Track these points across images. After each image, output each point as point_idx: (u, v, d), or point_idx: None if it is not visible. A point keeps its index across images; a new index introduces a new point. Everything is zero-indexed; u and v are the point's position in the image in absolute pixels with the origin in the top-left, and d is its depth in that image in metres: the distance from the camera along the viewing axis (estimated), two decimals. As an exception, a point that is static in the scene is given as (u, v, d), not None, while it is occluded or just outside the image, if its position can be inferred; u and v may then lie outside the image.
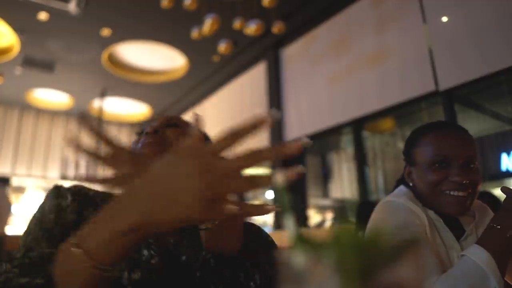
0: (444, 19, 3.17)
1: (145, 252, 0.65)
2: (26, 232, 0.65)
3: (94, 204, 0.70)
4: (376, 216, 0.95)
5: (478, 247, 0.78)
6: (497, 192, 2.32)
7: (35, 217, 0.67)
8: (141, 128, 0.84)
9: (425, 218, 0.90)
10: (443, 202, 0.92)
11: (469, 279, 0.74)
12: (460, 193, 0.90)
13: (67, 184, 0.71)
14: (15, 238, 1.02)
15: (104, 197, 0.73)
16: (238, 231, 0.65)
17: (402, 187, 1.02)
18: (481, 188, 0.97)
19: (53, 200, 0.67)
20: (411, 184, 1.01)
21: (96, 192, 0.73)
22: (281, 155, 0.44)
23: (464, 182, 0.89)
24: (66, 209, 0.66)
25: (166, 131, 0.81)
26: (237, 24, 3.58)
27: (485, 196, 1.93)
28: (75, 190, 0.70)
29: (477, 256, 0.76)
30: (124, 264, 0.62)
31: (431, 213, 0.93)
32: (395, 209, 0.92)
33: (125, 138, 8.33)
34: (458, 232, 0.94)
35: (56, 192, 0.68)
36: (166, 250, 0.68)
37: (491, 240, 0.79)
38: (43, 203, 0.68)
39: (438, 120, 1.04)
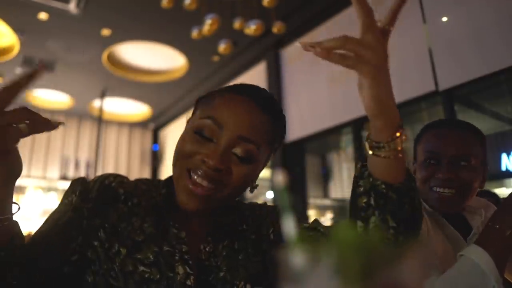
0: (444, 19, 3.17)
1: (180, 268, 0.62)
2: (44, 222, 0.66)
3: (112, 198, 0.67)
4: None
5: (477, 247, 0.78)
6: (497, 192, 2.32)
7: (53, 211, 0.68)
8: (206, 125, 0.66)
9: (426, 217, 0.90)
10: (431, 198, 0.94)
11: (468, 279, 0.75)
12: (446, 190, 0.91)
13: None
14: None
15: (129, 189, 0.70)
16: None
17: None
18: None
19: (67, 196, 0.68)
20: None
21: (121, 181, 0.70)
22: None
23: (448, 178, 0.90)
24: (70, 206, 0.66)
25: (230, 168, 0.64)
26: (237, 24, 3.58)
27: (485, 195, 1.93)
28: (88, 184, 0.68)
29: (476, 255, 0.76)
30: (155, 285, 0.60)
31: (435, 213, 0.94)
32: None
33: (125, 138, 8.33)
34: (465, 230, 0.95)
35: (72, 188, 0.68)
36: (202, 265, 0.65)
37: (490, 239, 0.79)
38: (62, 196, 0.69)
39: (445, 118, 1.06)
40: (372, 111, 0.55)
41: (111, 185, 0.68)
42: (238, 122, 0.65)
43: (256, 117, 0.67)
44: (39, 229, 0.64)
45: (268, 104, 0.72)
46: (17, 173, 0.55)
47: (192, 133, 0.66)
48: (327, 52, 0.54)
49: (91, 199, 0.66)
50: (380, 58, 0.53)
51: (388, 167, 0.55)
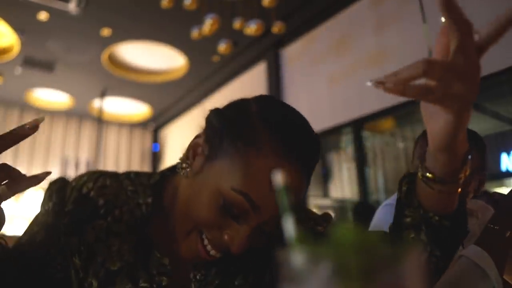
0: (444, 19, 3.17)
1: None
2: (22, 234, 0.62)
3: (90, 211, 0.59)
4: (376, 220, 0.96)
5: (477, 247, 0.78)
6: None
7: (32, 221, 0.63)
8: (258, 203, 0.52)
9: None
10: None
11: (468, 279, 0.74)
12: None
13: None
14: (15, 238, 1.02)
15: (111, 196, 0.61)
16: None
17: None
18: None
19: (45, 201, 0.62)
20: None
21: (101, 187, 0.62)
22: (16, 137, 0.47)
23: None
24: (45, 222, 0.60)
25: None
26: (237, 24, 3.58)
27: (483, 197, 1.92)
28: (67, 192, 0.61)
29: (475, 256, 0.76)
30: None
31: None
32: (392, 213, 0.92)
33: (125, 138, 8.33)
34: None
35: (47, 190, 0.62)
36: None
37: (490, 240, 0.79)
38: (42, 200, 0.63)
39: None
40: (441, 146, 0.45)
41: (89, 194, 0.60)
42: (276, 202, 0.55)
43: (299, 189, 0.55)
44: (17, 243, 0.59)
45: (314, 163, 0.59)
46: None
47: (218, 204, 0.52)
48: (403, 86, 0.38)
49: (67, 212, 0.59)
50: (474, 91, 0.40)
51: (445, 200, 0.50)
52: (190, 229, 0.56)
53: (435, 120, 0.44)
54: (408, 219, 0.52)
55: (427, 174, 0.48)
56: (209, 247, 0.55)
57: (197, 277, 0.59)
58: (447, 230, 0.50)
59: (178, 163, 0.61)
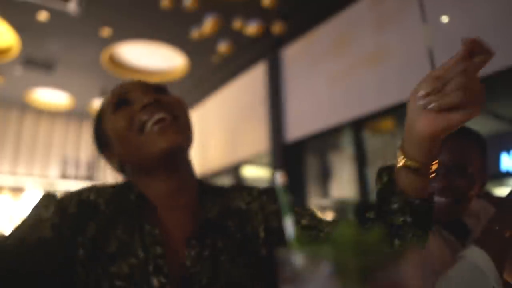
0: (444, 19, 3.17)
1: (155, 281, 0.59)
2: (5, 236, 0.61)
3: (92, 211, 0.64)
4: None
5: (476, 248, 0.78)
6: (497, 192, 2.32)
7: (19, 224, 0.63)
8: (113, 98, 0.71)
9: None
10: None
11: (468, 280, 0.75)
12: (442, 199, 0.90)
13: (69, 183, 0.67)
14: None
15: (107, 196, 0.67)
16: None
17: None
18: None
19: (35, 210, 0.64)
20: None
21: (98, 191, 0.67)
22: None
23: (443, 187, 0.89)
24: (42, 223, 0.61)
25: (162, 99, 0.68)
26: (237, 24, 3.58)
27: (485, 198, 1.92)
28: (64, 201, 0.64)
29: (475, 257, 0.76)
30: None
31: None
32: None
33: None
34: (464, 233, 0.94)
35: (41, 201, 0.65)
36: (184, 276, 0.61)
37: (489, 240, 0.79)
38: (31, 210, 0.65)
39: None
40: (434, 137, 0.54)
41: (89, 198, 0.65)
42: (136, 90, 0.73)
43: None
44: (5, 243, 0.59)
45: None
46: None
47: (114, 109, 0.69)
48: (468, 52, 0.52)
49: (70, 215, 0.62)
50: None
51: (423, 185, 0.58)
52: (137, 133, 0.66)
53: (434, 117, 0.51)
54: (394, 205, 0.58)
55: (410, 163, 0.56)
56: (154, 116, 0.65)
57: (192, 253, 0.63)
58: (426, 211, 0.58)
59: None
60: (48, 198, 0.65)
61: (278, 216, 0.70)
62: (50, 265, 0.58)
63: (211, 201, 0.71)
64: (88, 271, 0.59)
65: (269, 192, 0.76)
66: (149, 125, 0.65)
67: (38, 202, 0.65)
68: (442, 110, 0.50)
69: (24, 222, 0.62)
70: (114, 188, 0.70)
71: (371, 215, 0.62)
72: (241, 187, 0.77)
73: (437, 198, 0.90)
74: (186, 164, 0.72)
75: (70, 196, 0.65)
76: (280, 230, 0.67)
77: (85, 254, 0.60)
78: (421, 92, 0.51)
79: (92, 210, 0.64)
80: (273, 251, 0.67)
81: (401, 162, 0.58)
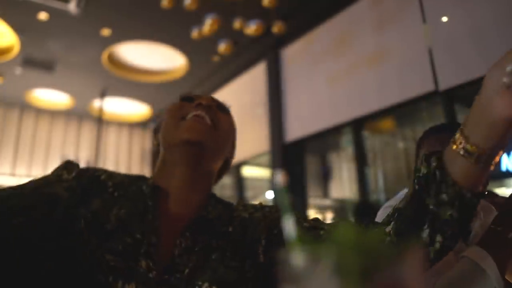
0: (444, 19, 3.17)
1: (143, 263, 0.61)
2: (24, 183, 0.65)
3: (100, 189, 0.68)
4: (377, 221, 0.96)
5: (479, 249, 0.78)
6: (498, 192, 2.31)
7: (37, 178, 0.67)
8: (186, 94, 0.80)
9: None
10: None
11: (469, 280, 0.74)
12: None
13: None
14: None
15: (117, 180, 0.71)
16: None
17: (405, 190, 1.02)
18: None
19: (57, 170, 0.68)
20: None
21: (111, 174, 0.72)
22: None
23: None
24: (61, 182, 0.66)
25: (218, 113, 0.75)
26: (237, 24, 3.58)
27: (487, 198, 1.92)
28: (83, 171, 0.70)
29: (477, 257, 0.76)
30: (119, 273, 0.59)
31: None
32: None
33: (125, 138, 8.33)
34: (464, 232, 0.94)
35: (65, 165, 0.70)
36: (169, 264, 0.62)
37: (492, 241, 0.78)
38: (52, 171, 0.69)
39: (447, 122, 1.04)
40: (503, 117, 0.46)
41: (101, 177, 0.70)
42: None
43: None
44: (11, 187, 0.63)
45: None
46: None
47: (180, 100, 0.77)
48: None
49: (82, 184, 0.67)
50: None
51: (478, 177, 0.51)
52: (176, 122, 0.71)
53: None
54: (443, 196, 0.52)
55: (468, 146, 0.49)
56: (198, 112, 0.70)
57: (182, 244, 0.64)
58: (474, 208, 0.51)
59: None
60: (73, 164, 0.70)
61: (280, 224, 0.68)
62: (54, 223, 0.61)
63: (216, 208, 0.74)
64: (84, 242, 0.61)
65: (272, 206, 0.78)
66: (188, 116, 0.70)
67: (63, 164, 0.70)
68: None
69: (43, 177, 0.66)
70: (126, 176, 0.74)
71: (406, 205, 0.55)
72: (246, 203, 0.80)
73: None
74: (206, 168, 0.74)
75: (86, 170, 0.70)
76: (282, 238, 0.64)
77: (85, 225, 0.62)
78: (510, 68, 0.43)
79: (100, 188, 0.68)
80: (273, 257, 0.66)
81: (459, 146, 0.50)
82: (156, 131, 0.80)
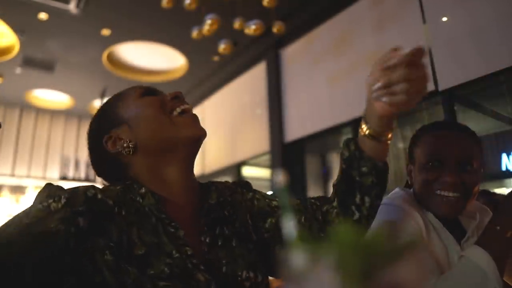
0: (444, 19, 3.17)
1: (200, 276, 0.60)
2: (4, 224, 0.56)
3: (105, 211, 0.61)
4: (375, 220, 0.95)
5: (478, 248, 0.78)
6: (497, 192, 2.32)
7: (19, 214, 0.57)
8: (139, 88, 0.78)
9: (421, 220, 0.89)
10: (434, 202, 0.92)
11: (468, 280, 0.75)
12: (450, 194, 0.89)
13: (69, 184, 0.65)
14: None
15: (113, 196, 0.63)
16: None
17: (397, 190, 1.02)
18: (481, 187, 0.97)
19: (41, 199, 0.59)
20: (410, 183, 1.03)
21: (102, 191, 0.63)
22: None
23: (454, 182, 0.89)
24: (52, 215, 0.56)
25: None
26: (237, 24, 3.58)
27: (481, 196, 1.92)
28: (72, 195, 0.59)
29: (476, 256, 0.76)
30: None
31: (431, 216, 0.93)
32: (390, 212, 0.91)
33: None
34: (460, 234, 0.94)
35: (47, 191, 0.60)
36: (207, 264, 0.63)
37: (490, 240, 0.78)
38: (34, 200, 0.60)
39: (443, 120, 1.04)
40: (389, 116, 0.67)
41: (97, 197, 0.61)
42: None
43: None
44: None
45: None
46: None
47: (141, 95, 0.77)
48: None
49: (82, 212, 0.58)
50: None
51: (383, 150, 0.70)
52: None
53: (386, 105, 0.63)
54: (364, 169, 0.70)
55: (373, 131, 0.68)
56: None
57: (207, 240, 0.66)
58: (385, 172, 0.72)
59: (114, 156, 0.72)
60: (56, 189, 0.61)
61: (254, 203, 0.78)
62: (52, 259, 0.54)
63: (207, 193, 0.75)
64: (116, 274, 0.56)
65: (241, 183, 0.84)
66: (177, 110, 0.71)
67: (42, 191, 0.61)
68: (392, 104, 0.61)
69: (32, 209, 0.57)
70: (114, 188, 0.66)
71: (338, 182, 0.74)
72: (215, 183, 0.81)
73: (445, 193, 0.90)
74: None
75: (76, 193, 0.60)
76: (261, 214, 0.77)
77: (113, 258, 0.57)
78: (374, 87, 0.61)
79: (104, 209, 0.61)
80: (260, 234, 0.75)
81: (365, 131, 0.69)
82: (110, 131, 0.72)
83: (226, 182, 0.84)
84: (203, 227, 0.68)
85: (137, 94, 0.75)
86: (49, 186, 0.62)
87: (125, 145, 0.70)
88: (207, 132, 0.72)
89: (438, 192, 0.91)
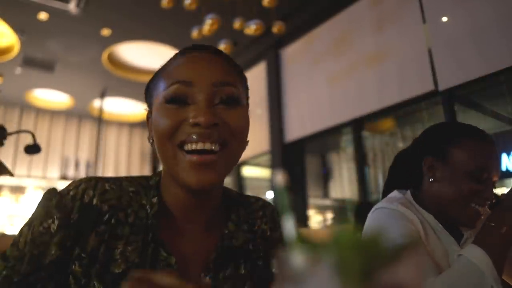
0: (444, 19, 3.17)
1: None
2: (14, 244, 0.55)
3: (92, 218, 0.56)
4: (369, 223, 0.95)
5: (475, 247, 0.78)
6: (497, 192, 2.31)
7: (24, 230, 0.56)
8: (172, 82, 0.59)
9: (419, 223, 0.89)
10: (464, 214, 0.89)
11: (466, 279, 0.75)
12: (482, 210, 0.90)
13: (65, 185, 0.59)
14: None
15: (114, 199, 0.59)
16: None
17: (395, 193, 1.01)
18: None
19: (43, 218, 0.56)
20: (430, 178, 0.95)
21: (105, 192, 0.59)
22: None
23: (491, 200, 0.90)
24: (51, 238, 0.54)
25: (220, 121, 0.57)
26: (237, 24, 3.58)
27: None
28: (68, 207, 0.56)
29: (473, 255, 0.76)
30: None
31: (431, 218, 0.93)
32: (388, 216, 0.91)
33: (125, 138, 8.33)
34: (459, 235, 0.94)
35: (46, 208, 0.57)
36: None
37: (487, 238, 0.79)
38: (34, 214, 0.57)
39: (473, 125, 0.98)
40: None
41: (92, 202, 0.57)
42: (203, 72, 0.58)
43: (216, 60, 0.61)
44: (18, 268, 0.53)
45: (218, 51, 0.65)
46: None
47: (165, 106, 0.57)
48: None
49: (72, 225, 0.55)
50: None
51: None
52: (173, 153, 0.57)
53: None
54: None
55: None
56: (199, 145, 0.55)
57: (207, 278, 0.57)
58: None
59: None
60: (52, 204, 0.57)
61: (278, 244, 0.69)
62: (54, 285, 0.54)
63: (236, 221, 0.65)
64: (84, 286, 0.53)
65: (275, 216, 0.73)
66: (187, 147, 0.56)
67: (42, 208, 0.58)
68: None
69: (35, 230, 0.55)
70: (125, 189, 0.61)
71: None
72: (260, 202, 0.73)
73: (481, 209, 0.88)
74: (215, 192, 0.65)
75: (71, 199, 0.57)
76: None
77: (82, 269, 0.53)
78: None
79: (94, 217, 0.56)
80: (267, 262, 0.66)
81: None
82: (149, 116, 0.65)
83: (268, 204, 0.72)
84: (210, 263, 0.59)
85: (166, 96, 0.59)
86: (47, 199, 0.58)
87: (149, 135, 0.64)
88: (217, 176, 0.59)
89: (474, 206, 0.89)
